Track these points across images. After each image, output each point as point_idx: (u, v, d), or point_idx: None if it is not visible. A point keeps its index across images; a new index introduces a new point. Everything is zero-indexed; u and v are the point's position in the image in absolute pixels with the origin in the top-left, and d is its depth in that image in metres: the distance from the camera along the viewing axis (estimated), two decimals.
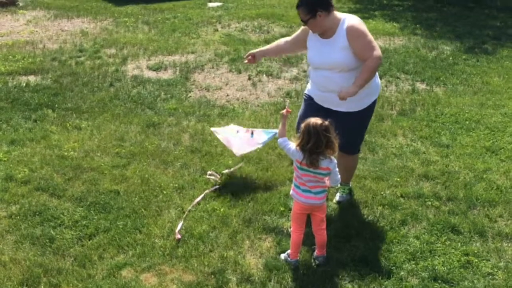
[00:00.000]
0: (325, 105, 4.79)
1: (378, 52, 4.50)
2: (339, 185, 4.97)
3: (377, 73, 4.77)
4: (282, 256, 4.35)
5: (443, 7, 14.33)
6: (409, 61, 9.37)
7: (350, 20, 4.62)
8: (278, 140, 4.29)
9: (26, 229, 4.67)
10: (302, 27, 4.88)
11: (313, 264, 4.31)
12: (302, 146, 4.06)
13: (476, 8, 13.89)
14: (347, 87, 4.46)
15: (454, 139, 6.39)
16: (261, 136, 5.51)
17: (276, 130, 5.20)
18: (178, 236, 4.56)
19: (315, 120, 4.04)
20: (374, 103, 4.88)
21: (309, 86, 5.02)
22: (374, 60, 4.46)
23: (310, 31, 4.75)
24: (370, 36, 4.58)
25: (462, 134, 6.53)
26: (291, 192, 4.29)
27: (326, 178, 4.15)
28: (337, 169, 4.15)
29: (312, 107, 4.83)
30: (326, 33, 4.65)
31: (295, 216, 4.28)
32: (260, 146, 5.49)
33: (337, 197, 5.18)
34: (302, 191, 4.17)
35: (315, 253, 4.35)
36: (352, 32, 4.54)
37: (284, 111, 4.31)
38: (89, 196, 5.16)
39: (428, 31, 11.61)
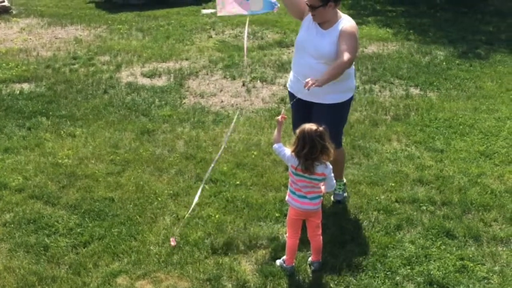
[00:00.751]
0: (308, 99, 4.85)
1: (353, 56, 4.63)
2: (335, 190, 5.07)
3: (353, 74, 5.01)
4: (278, 262, 4.35)
5: (436, 13, 14.38)
6: (402, 67, 9.40)
7: (348, 20, 4.81)
8: (273, 146, 4.30)
9: (20, 237, 4.66)
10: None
11: (309, 269, 4.31)
12: (297, 152, 4.06)
13: (469, 13, 13.95)
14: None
15: (448, 144, 6.41)
16: (258, 4, 5.11)
17: (277, 3, 5.16)
18: (173, 242, 4.55)
19: (310, 126, 4.05)
20: (352, 98, 5.08)
21: (291, 77, 5.10)
22: (347, 61, 4.54)
23: (308, 17, 4.85)
24: (357, 42, 4.77)
25: (456, 139, 6.55)
26: (286, 198, 4.29)
27: (322, 183, 4.16)
28: (332, 174, 4.17)
29: (299, 106, 4.91)
30: (324, 24, 4.78)
31: (290, 221, 4.28)
32: (247, 13, 5.13)
33: (334, 195, 5.21)
34: (297, 197, 4.17)
35: (310, 259, 4.34)
36: (347, 32, 4.68)
37: (279, 117, 4.31)
38: (83, 204, 5.14)
39: (422, 37, 11.65)
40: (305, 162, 4.04)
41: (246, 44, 5.68)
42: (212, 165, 5.04)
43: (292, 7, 5.06)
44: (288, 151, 4.16)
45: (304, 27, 4.93)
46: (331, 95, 4.80)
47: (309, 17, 4.85)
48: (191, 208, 4.87)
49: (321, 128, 4.05)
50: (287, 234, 4.36)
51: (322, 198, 4.28)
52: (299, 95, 4.79)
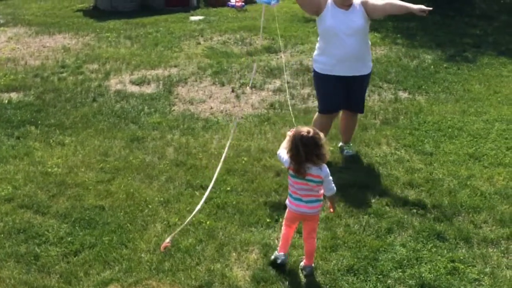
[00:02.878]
0: (349, 74, 5.77)
1: None
2: (344, 147, 6.26)
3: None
4: (273, 256, 4.38)
5: (423, 16, 14.46)
6: (391, 71, 9.45)
7: None
8: (278, 152, 4.30)
9: (10, 247, 4.63)
10: None
11: (301, 274, 4.31)
12: (290, 155, 4.07)
13: (456, 16, 14.04)
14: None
15: (438, 147, 6.44)
16: None
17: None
18: (165, 245, 4.49)
19: (303, 131, 4.03)
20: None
21: (320, 62, 5.88)
22: None
23: (329, 3, 5.66)
24: None
25: (445, 142, 6.58)
26: (286, 201, 4.32)
27: (320, 187, 4.16)
28: (330, 178, 4.14)
29: (338, 84, 5.81)
30: (347, 6, 5.64)
31: (286, 221, 4.34)
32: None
33: (345, 152, 6.21)
34: (293, 199, 4.20)
35: (302, 263, 4.34)
36: (366, 2, 5.68)
37: (291, 131, 4.18)
38: (73, 212, 5.12)
39: (409, 40, 11.72)
40: (295, 165, 4.05)
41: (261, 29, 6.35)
42: (215, 175, 5.03)
43: (311, 4, 5.78)
44: (284, 152, 4.17)
45: (328, 16, 5.67)
46: (368, 65, 5.92)
47: (329, 6, 5.66)
48: (192, 215, 4.86)
49: (316, 133, 4.03)
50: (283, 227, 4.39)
51: (321, 202, 4.25)
52: (348, 73, 5.76)
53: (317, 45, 6.01)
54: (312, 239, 4.29)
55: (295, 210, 4.21)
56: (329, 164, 5.97)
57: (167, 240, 4.49)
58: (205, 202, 5.26)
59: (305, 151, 3.98)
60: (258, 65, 9.79)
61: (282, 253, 4.35)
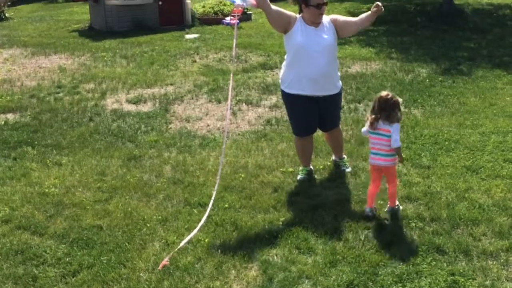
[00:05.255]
0: (318, 93, 5.73)
1: None
2: (339, 163, 6.26)
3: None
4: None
5: (417, 31, 14.56)
6: (386, 85, 9.48)
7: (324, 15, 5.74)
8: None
9: (8, 269, 4.60)
10: (292, 15, 5.66)
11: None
12: (370, 112, 5.14)
13: (449, 30, 14.14)
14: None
15: (435, 160, 6.44)
16: None
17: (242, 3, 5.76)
18: (164, 263, 4.48)
19: (381, 93, 5.11)
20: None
21: (289, 82, 5.77)
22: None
23: (299, 21, 5.63)
24: None
25: (442, 155, 6.59)
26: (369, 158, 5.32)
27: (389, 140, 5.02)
28: (397, 135, 4.98)
29: (307, 104, 5.76)
30: (318, 22, 5.62)
31: (371, 177, 5.31)
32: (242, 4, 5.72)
33: (342, 169, 6.19)
34: (371, 154, 5.20)
35: (387, 206, 5.25)
36: (335, 17, 5.79)
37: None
38: (71, 233, 5.10)
39: (404, 55, 11.78)
40: (371, 120, 5.05)
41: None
42: (214, 195, 5.04)
43: (280, 20, 5.65)
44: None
45: (298, 33, 5.61)
46: (337, 85, 5.85)
47: (298, 24, 5.61)
48: (192, 234, 4.84)
49: (392, 97, 5.01)
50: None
51: (394, 157, 5.11)
52: (317, 93, 5.71)
53: (284, 63, 5.88)
54: (390, 184, 5.21)
55: (371, 163, 5.22)
56: (326, 179, 6.01)
57: (166, 258, 4.47)
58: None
59: (379, 108, 5.00)
60: (254, 81, 9.82)
61: (370, 207, 5.20)
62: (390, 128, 4.99)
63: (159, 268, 4.45)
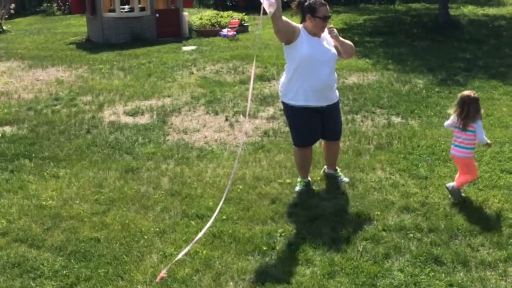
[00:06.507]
0: (323, 104, 5.79)
1: None
2: (336, 174, 6.25)
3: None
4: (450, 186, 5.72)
5: (413, 42, 14.62)
6: (383, 96, 9.50)
7: None
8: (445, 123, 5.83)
9: (5, 282, 4.58)
10: (297, 26, 5.67)
11: None
12: (458, 113, 5.54)
13: (445, 41, 14.20)
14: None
15: (432, 171, 6.45)
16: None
17: None
18: (162, 275, 4.46)
19: (466, 92, 5.59)
20: None
21: (293, 94, 5.77)
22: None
23: (302, 31, 5.65)
24: None
25: (439, 165, 6.59)
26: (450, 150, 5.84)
27: (474, 136, 5.52)
28: (482, 131, 5.52)
29: (313, 115, 5.80)
30: (319, 34, 5.72)
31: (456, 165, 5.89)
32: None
33: (339, 179, 6.18)
34: (453, 145, 5.71)
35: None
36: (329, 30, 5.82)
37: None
38: (69, 245, 5.08)
39: (400, 66, 11.82)
40: (460, 118, 5.51)
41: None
42: (218, 208, 5.03)
43: (287, 29, 5.60)
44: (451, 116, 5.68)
45: (304, 44, 5.63)
46: (336, 93, 5.96)
47: (303, 35, 5.65)
48: (189, 246, 4.83)
49: (475, 96, 5.50)
50: None
51: (472, 150, 5.63)
52: (322, 103, 5.77)
53: (285, 75, 5.84)
54: (464, 175, 5.68)
55: (454, 154, 5.71)
56: (324, 190, 6.01)
57: (163, 271, 4.46)
58: (201, 231, 5.24)
59: (468, 106, 5.44)
60: (251, 93, 9.83)
61: (458, 188, 5.67)
62: (474, 125, 5.49)
63: (156, 280, 4.44)
